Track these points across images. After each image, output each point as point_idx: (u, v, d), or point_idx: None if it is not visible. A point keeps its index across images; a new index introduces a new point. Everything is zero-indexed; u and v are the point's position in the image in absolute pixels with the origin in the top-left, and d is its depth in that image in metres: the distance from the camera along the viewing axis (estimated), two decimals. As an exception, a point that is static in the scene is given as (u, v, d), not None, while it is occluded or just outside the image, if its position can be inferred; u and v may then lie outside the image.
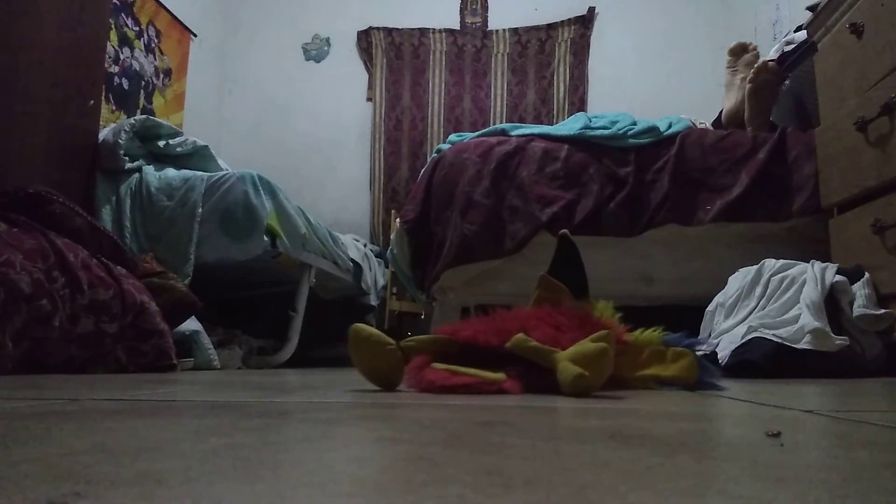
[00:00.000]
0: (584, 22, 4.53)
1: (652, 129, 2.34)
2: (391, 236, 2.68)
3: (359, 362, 1.07)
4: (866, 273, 1.69)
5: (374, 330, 1.07)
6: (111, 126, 2.81)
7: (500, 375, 0.98)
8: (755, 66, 2.46)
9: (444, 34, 4.62)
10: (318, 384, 1.30)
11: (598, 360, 0.94)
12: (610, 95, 4.36)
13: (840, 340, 1.54)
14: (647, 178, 2.25)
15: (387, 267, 3.83)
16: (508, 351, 1.03)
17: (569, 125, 2.49)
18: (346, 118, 4.63)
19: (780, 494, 0.31)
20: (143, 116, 2.87)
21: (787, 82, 2.58)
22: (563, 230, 1.42)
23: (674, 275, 2.27)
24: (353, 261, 3.51)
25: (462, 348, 1.08)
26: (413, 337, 1.13)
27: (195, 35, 4.24)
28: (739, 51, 2.61)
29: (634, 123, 2.38)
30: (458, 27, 4.66)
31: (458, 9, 4.69)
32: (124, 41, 3.51)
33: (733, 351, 1.62)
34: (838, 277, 1.67)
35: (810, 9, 2.32)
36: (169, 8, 3.92)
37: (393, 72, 4.62)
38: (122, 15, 3.49)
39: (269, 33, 4.75)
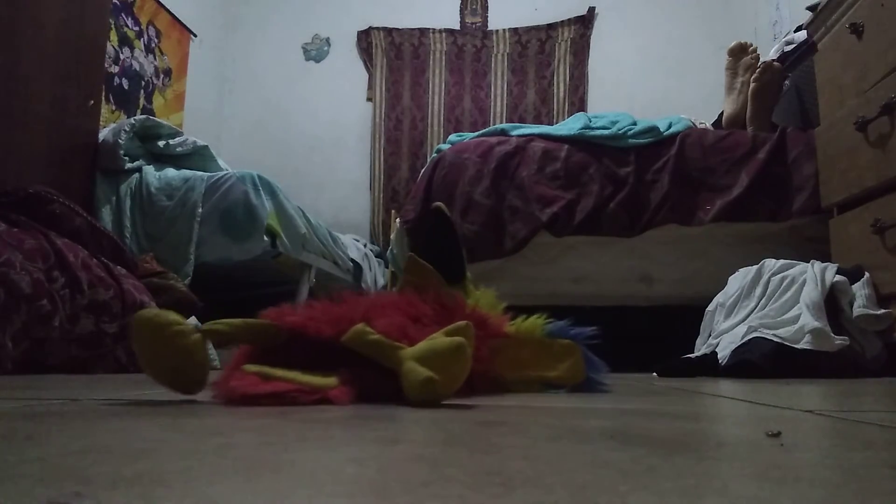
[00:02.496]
0: (584, 22, 4.53)
1: (652, 129, 2.34)
2: (391, 236, 2.68)
3: (141, 356, 0.80)
4: (866, 273, 1.69)
5: (161, 311, 0.81)
6: (111, 126, 2.81)
7: (329, 380, 0.79)
8: (760, 65, 2.46)
9: (444, 34, 4.62)
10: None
11: (452, 360, 0.76)
12: (610, 95, 4.36)
13: (840, 340, 1.54)
14: (647, 178, 2.25)
15: (387, 267, 3.83)
16: (347, 346, 0.82)
17: (569, 125, 2.49)
18: (346, 118, 4.63)
19: (780, 494, 0.31)
20: (143, 116, 2.87)
21: (787, 82, 2.58)
22: (436, 203, 1.25)
23: (674, 275, 2.27)
24: (353, 261, 3.51)
25: (291, 339, 0.86)
26: (221, 320, 0.88)
27: (195, 35, 4.24)
28: (739, 51, 2.61)
29: (634, 123, 2.38)
30: (458, 27, 4.66)
31: (458, 9, 4.69)
32: (124, 41, 3.51)
33: (733, 351, 1.62)
34: (838, 277, 1.67)
35: (810, 9, 2.32)
36: (169, 8, 3.92)
37: (393, 72, 4.62)
38: (122, 15, 3.49)
39: (269, 33, 4.75)
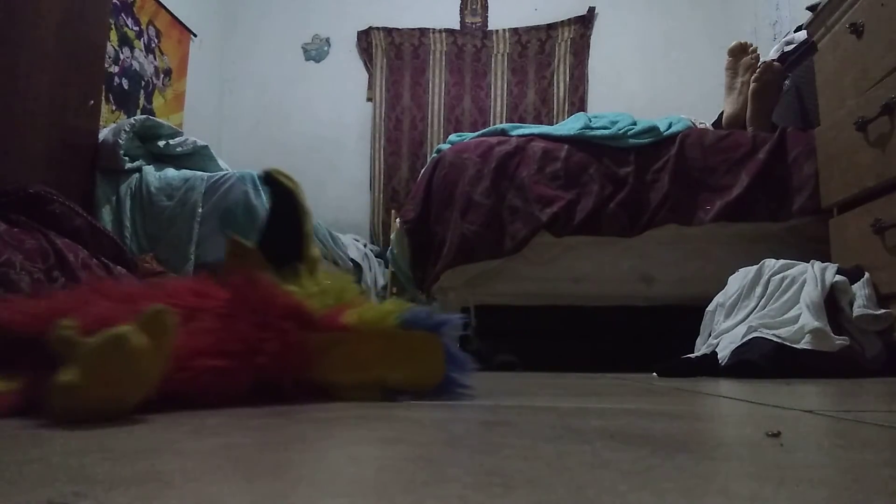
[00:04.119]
0: (584, 22, 4.53)
1: (652, 129, 2.34)
2: (391, 236, 2.68)
3: None
4: (866, 273, 1.69)
5: None
6: (111, 126, 2.81)
7: (10, 385, 0.66)
8: (760, 65, 2.46)
9: (444, 34, 4.62)
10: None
11: (102, 358, 0.58)
12: (610, 95, 4.36)
13: (840, 340, 1.54)
14: (647, 178, 2.25)
15: (387, 267, 3.83)
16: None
17: (569, 125, 2.49)
18: (346, 118, 4.63)
19: (780, 494, 0.31)
20: (143, 116, 2.87)
21: (787, 82, 2.58)
22: (268, 168, 1.05)
23: (674, 275, 2.27)
24: (353, 261, 3.51)
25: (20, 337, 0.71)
26: None
27: (195, 35, 4.24)
28: (739, 51, 2.61)
29: (634, 123, 2.38)
30: (458, 27, 4.66)
31: (458, 9, 4.69)
32: (124, 41, 3.51)
33: (733, 351, 1.62)
34: (838, 277, 1.67)
35: (810, 9, 2.32)
36: (169, 8, 3.92)
37: (393, 72, 4.62)
38: (122, 15, 3.49)
39: (269, 33, 4.75)
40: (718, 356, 1.67)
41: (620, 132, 2.32)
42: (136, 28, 3.62)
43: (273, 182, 1.02)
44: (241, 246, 0.96)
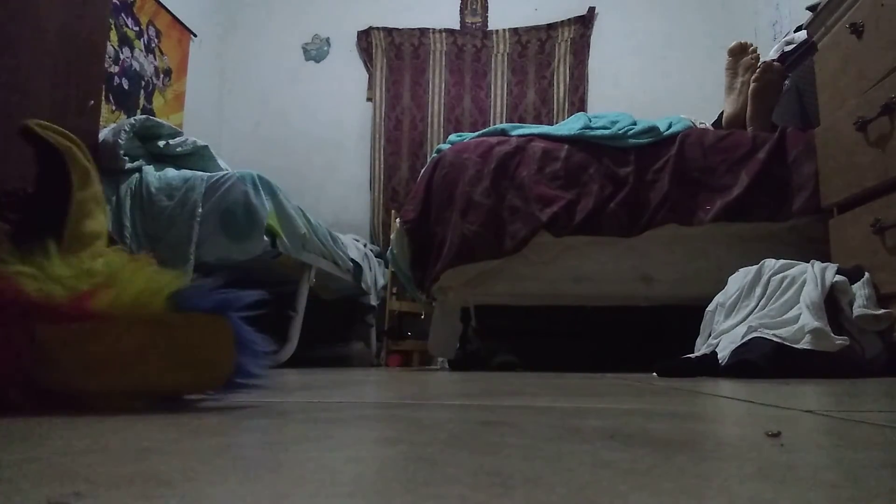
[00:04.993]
0: (584, 22, 4.53)
1: (652, 129, 2.34)
2: (391, 236, 2.68)
3: None
4: (866, 273, 1.69)
5: None
6: (111, 126, 2.81)
7: None
8: (760, 65, 2.46)
9: (444, 34, 4.62)
10: (317, 384, 1.30)
11: None
12: (610, 95, 4.36)
13: (840, 340, 1.54)
14: (647, 178, 2.25)
15: (387, 267, 3.83)
16: None
17: (569, 125, 2.49)
18: (346, 118, 4.63)
19: (780, 494, 0.31)
20: (143, 116, 2.87)
21: (787, 82, 2.58)
22: (28, 121, 0.84)
23: (674, 275, 2.27)
24: (353, 261, 3.51)
25: None
26: None
27: (195, 35, 4.25)
28: (739, 51, 2.61)
29: (634, 123, 2.39)
30: (458, 27, 4.66)
31: (458, 9, 4.69)
32: (124, 41, 3.51)
33: (733, 351, 1.62)
34: (838, 277, 1.67)
35: (810, 9, 2.32)
36: (169, 8, 3.92)
37: (393, 72, 4.62)
38: (122, 15, 3.49)
39: (269, 33, 4.75)
40: (718, 356, 1.67)
41: (620, 132, 2.32)
42: (136, 28, 3.62)
43: (35, 140, 0.80)
44: None
